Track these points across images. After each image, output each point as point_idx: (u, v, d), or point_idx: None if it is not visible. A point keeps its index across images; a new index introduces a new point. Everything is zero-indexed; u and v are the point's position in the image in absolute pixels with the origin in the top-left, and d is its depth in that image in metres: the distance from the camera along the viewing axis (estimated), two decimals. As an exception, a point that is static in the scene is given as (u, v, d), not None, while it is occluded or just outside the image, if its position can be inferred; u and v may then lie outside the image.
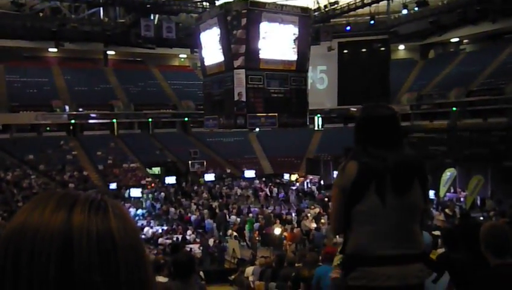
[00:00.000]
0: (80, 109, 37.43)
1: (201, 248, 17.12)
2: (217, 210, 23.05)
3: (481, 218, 15.60)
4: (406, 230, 2.34)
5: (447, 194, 23.07)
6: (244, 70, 16.80)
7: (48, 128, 37.41)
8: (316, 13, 32.35)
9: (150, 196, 27.97)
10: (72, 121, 37.12)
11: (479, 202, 21.60)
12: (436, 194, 23.19)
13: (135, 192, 28.70)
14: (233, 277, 12.90)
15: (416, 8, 34.74)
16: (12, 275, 0.69)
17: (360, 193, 2.31)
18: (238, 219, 21.35)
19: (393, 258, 2.30)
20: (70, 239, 0.69)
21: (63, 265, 0.68)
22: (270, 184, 31.26)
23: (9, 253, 0.70)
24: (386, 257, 2.29)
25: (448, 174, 23.34)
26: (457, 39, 42.09)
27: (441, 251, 4.59)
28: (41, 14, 35.48)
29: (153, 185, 30.85)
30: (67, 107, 36.92)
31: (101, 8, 37.85)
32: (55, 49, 39.78)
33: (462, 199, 22.03)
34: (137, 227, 0.82)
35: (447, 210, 18.17)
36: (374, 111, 2.55)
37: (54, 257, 0.68)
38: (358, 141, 2.52)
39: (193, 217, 22.56)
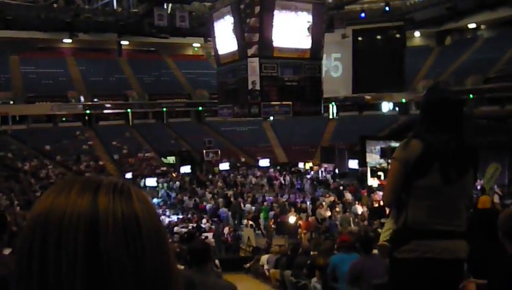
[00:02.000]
0: (95, 100, 37.68)
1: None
2: (232, 199, 23.13)
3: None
4: (458, 209, 2.49)
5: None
6: (257, 58, 16.72)
7: (64, 119, 37.79)
8: (330, 0, 32.06)
9: (165, 185, 28.13)
10: (87, 112, 37.40)
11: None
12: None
13: (150, 181, 28.89)
14: (248, 265, 12.98)
15: (432, -6, 34.28)
16: (40, 257, 0.70)
17: (423, 169, 2.40)
18: (253, 208, 21.40)
19: (447, 233, 2.44)
20: (96, 220, 0.71)
21: (90, 246, 0.69)
22: (284, 173, 31.24)
23: (36, 236, 0.71)
24: (442, 231, 2.43)
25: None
26: (474, 25, 41.41)
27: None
28: (55, 5, 35.62)
29: (174, 174, 30.92)
30: (82, 98, 37.18)
31: (115, -2, 37.91)
32: (69, 40, 40.00)
33: (478, 187, 21.81)
34: (157, 212, 0.83)
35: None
36: (443, 95, 2.62)
37: (81, 238, 0.69)
38: (422, 121, 2.56)
39: (208, 206, 22.65)
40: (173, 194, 26.51)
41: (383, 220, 16.20)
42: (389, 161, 25.55)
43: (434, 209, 2.43)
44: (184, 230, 17.82)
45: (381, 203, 19.95)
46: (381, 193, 21.92)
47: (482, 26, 41.81)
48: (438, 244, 2.42)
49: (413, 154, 2.41)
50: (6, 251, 2.99)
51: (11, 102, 34.96)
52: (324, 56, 19.20)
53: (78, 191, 0.74)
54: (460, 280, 2.60)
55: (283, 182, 28.92)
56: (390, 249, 2.62)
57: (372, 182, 25.75)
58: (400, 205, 2.53)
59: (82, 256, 0.69)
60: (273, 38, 16.76)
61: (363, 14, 37.62)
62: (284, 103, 17.39)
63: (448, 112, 2.51)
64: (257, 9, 16.32)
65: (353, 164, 29.83)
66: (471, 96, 34.55)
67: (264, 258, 11.49)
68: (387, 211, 17.69)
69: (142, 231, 0.73)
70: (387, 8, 36.34)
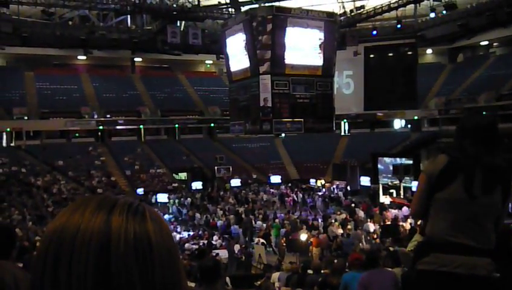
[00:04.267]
0: (108, 116, 37.97)
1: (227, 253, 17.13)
2: (243, 216, 23.05)
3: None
4: (480, 226, 2.44)
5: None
6: (269, 75, 16.78)
7: (77, 135, 38.11)
8: (341, 18, 32.23)
9: (177, 201, 28.15)
10: (100, 127, 37.69)
11: (510, 208, 21.11)
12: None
13: (162, 197, 28.94)
14: (259, 282, 12.86)
15: (444, 11, 34.30)
16: (52, 274, 0.71)
17: (444, 182, 2.43)
18: (264, 225, 21.31)
19: (465, 248, 2.40)
20: (108, 239, 0.72)
21: (101, 264, 0.70)
22: (296, 190, 31.14)
23: (50, 252, 0.73)
24: (459, 245, 2.40)
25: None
26: (486, 42, 41.35)
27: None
28: (70, 23, 36.18)
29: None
30: (95, 114, 37.50)
31: (129, 16, 38.45)
32: (83, 57, 40.55)
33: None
34: (171, 232, 0.84)
35: None
36: (480, 120, 2.62)
37: (92, 256, 0.70)
38: (457, 138, 2.61)
39: (219, 223, 22.60)
40: (184, 211, 26.51)
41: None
42: (401, 178, 25.46)
43: (455, 223, 2.43)
44: (195, 247, 17.78)
45: (393, 221, 19.82)
46: (393, 211, 21.82)
47: (495, 44, 41.74)
48: (455, 258, 2.41)
49: (437, 167, 2.47)
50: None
51: (26, 117, 35.33)
52: (336, 73, 19.26)
53: (92, 210, 0.75)
54: None
55: (296, 198, 28.80)
56: (413, 260, 2.68)
57: (384, 199, 25.59)
58: (427, 217, 2.57)
59: (92, 275, 0.70)
60: (285, 55, 16.84)
61: (374, 32, 37.68)
62: (295, 119, 17.40)
63: (482, 134, 2.52)
64: (269, 26, 16.43)
65: (365, 181, 29.69)
66: (484, 113, 34.32)
67: (275, 275, 11.40)
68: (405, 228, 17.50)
69: (153, 253, 0.74)
70: (399, 26, 36.37)
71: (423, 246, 2.61)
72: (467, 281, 2.42)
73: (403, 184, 25.47)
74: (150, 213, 0.78)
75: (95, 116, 37.42)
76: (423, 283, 2.53)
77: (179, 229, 22.43)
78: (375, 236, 17.75)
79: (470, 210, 2.42)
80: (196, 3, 34.98)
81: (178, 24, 36.20)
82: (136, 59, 44.52)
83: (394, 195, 25.58)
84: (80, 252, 0.70)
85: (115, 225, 0.73)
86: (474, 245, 2.41)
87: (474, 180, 2.40)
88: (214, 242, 18.80)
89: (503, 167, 2.51)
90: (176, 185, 32.63)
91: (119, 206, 0.76)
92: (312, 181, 33.91)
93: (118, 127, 38.70)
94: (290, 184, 33.63)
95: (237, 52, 18.16)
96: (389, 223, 19.87)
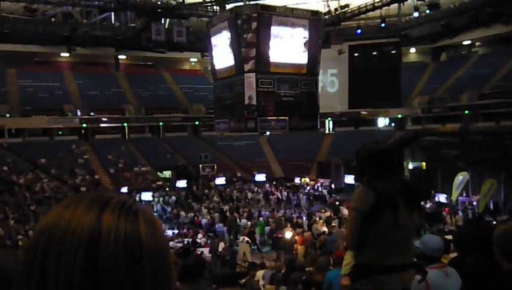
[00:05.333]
0: (92, 113, 37.67)
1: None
2: (228, 214, 23.05)
3: (494, 222, 15.44)
4: (407, 243, 2.91)
5: (459, 198, 22.88)
6: (254, 74, 16.75)
7: (60, 133, 37.71)
8: (326, 16, 32.31)
9: (161, 199, 28.03)
10: (84, 125, 37.35)
11: (491, 205, 21.41)
12: (448, 198, 23.03)
13: (146, 195, 28.79)
14: (244, 280, 12.87)
15: (427, 11, 34.65)
16: (40, 269, 0.71)
17: (377, 216, 2.77)
18: (249, 223, 21.33)
19: (398, 267, 2.83)
20: (98, 237, 0.71)
21: (89, 262, 0.70)
22: (280, 188, 31.20)
23: (39, 245, 0.73)
24: (394, 266, 2.82)
25: (461, 178, 23.15)
26: (469, 42, 41.82)
27: (453, 255, 4.54)
28: (53, 19, 35.80)
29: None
30: (78, 112, 37.18)
31: (112, 13, 38.13)
32: (67, 54, 40.16)
33: (474, 203, 21.84)
34: (165, 234, 0.83)
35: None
36: (375, 147, 3.09)
37: (81, 253, 0.70)
38: (363, 172, 3.02)
39: (204, 221, 22.57)
40: (169, 209, 26.41)
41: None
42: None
43: (388, 249, 2.81)
44: (179, 245, 17.72)
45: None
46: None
47: (477, 43, 42.22)
48: (390, 278, 2.81)
49: (368, 204, 2.79)
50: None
51: (7, 115, 34.90)
52: (320, 72, 19.26)
53: (85, 206, 0.75)
54: None
55: (280, 197, 28.84)
56: (351, 281, 3.09)
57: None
58: (359, 244, 2.91)
59: (80, 272, 0.69)
60: (269, 53, 16.84)
61: (359, 31, 37.94)
62: (280, 118, 17.40)
63: (383, 160, 2.96)
64: (254, 24, 16.40)
65: (349, 179, 29.85)
66: (466, 112, 34.75)
67: (260, 273, 11.43)
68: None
69: (143, 253, 0.73)
70: (383, 25, 36.67)
71: (361, 269, 2.93)
72: None
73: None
74: (144, 214, 0.78)
75: (79, 114, 37.09)
76: None
77: (163, 228, 22.32)
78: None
79: (398, 235, 2.79)
80: (181, 0, 34.85)
81: (162, 21, 36.02)
82: (120, 56, 44.17)
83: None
84: (70, 247, 0.70)
85: (105, 223, 0.72)
86: (404, 262, 2.85)
87: (398, 205, 2.77)
88: (198, 240, 18.77)
89: (412, 187, 3.01)
90: (160, 183, 32.50)
91: (111, 205, 0.76)
92: (297, 179, 34.01)
93: (102, 125, 38.38)
94: (274, 182, 33.69)
95: (222, 50, 18.11)
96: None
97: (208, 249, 17.43)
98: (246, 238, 18.46)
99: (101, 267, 0.70)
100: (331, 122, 42.41)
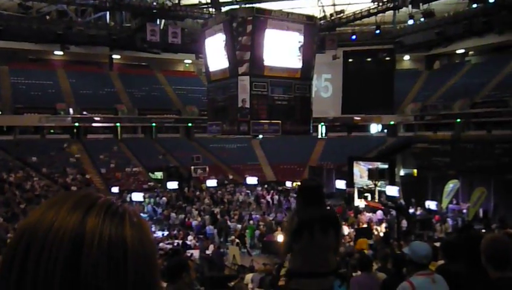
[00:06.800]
0: (84, 112, 37.52)
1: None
2: (219, 216, 23.00)
3: (483, 230, 15.51)
4: (324, 257, 3.72)
5: (450, 205, 22.97)
6: (248, 77, 16.74)
7: (52, 131, 37.51)
8: (321, 21, 32.40)
9: (152, 200, 27.92)
10: (76, 124, 37.20)
11: (481, 214, 21.50)
12: (438, 205, 23.12)
13: (137, 196, 28.66)
14: (232, 283, 12.84)
15: (422, 19, 34.82)
16: (20, 268, 0.69)
17: (297, 236, 3.66)
18: (239, 226, 21.29)
19: (315, 274, 3.71)
20: (81, 240, 0.69)
21: (70, 266, 0.68)
22: (272, 191, 31.18)
23: (20, 245, 0.70)
24: (312, 273, 3.70)
25: (451, 185, 23.25)
26: (462, 50, 42.08)
27: (441, 262, 4.55)
28: (47, 17, 35.65)
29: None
30: (71, 110, 37.00)
31: (108, 12, 38.03)
32: (60, 52, 39.98)
33: (464, 211, 21.93)
34: (153, 239, 0.81)
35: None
36: (308, 184, 4.05)
37: (62, 256, 0.68)
38: (299, 202, 4.04)
39: (194, 223, 22.50)
40: (159, 210, 26.32)
41: (369, 241, 16.22)
42: (376, 182, 25.76)
43: (306, 260, 3.70)
44: (169, 246, 17.65)
45: (367, 225, 20.02)
46: (367, 214, 22.04)
47: (470, 52, 42.49)
48: (310, 281, 3.71)
49: (292, 227, 3.70)
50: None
51: (-1, 112, 34.71)
52: (314, 76, 19.31)
53: (69, 207, 0.73)
54: None
55: (270, 201, 28.82)
56: (285, 281, 3.97)
57: (359, 203, 25.81)
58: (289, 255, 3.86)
59: (60, 274, 0.67)
60: (264, 57, 16.84)
61: (354, 36, 38.06)
62: (273, 121, 17.40)
63: (312, 193, 3.82)
64: (249, 28, 16.40)
65: (340, 184, 29.90)
66: (458, 120, 34.94)
67: (249, 277, 11.41)
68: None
69: (127, 258, 0.71)
70: (378, 31, 36.80)
71: (290, 273, 3.85)
72: None
73: (377, 188, 25.74)
74: (130, 217, 0.75)
75: (71, 113, 36.92)
76: None
77: (153, 229, 22.24)
78: (348, 239, 17.89)
79: (314, 251, 3.66)
80: (177, 2, 34.84)
81: (158, 22, 35.97)
82: (114, 56, 44.06)
83: (369, 199, 25.82)
84: (51, 249, 0.68)
85: (89, 226, 0.70)
86: (320, 271, 3.70)
87: (314, 232, 3.61)
88: (188, 242, 18.70)
89: (331, 215, 3.91)
90: (152, 184, 32.39)
91: (97, 207, 0.73)
92: (288, 183, 34.00)
93: (94, 125, 38.26)
94: (266, 185, 33.68)
95: (216, 53, 18.10)
96: (364, 226, 20.05)
97: (197, 251, 17.37)
98: (236, 240, 18.44)
99: (83, 271, 0.68)
100: (323, 127, 42.49)
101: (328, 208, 4.03)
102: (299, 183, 4.36)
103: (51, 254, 0.68)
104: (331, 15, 35.65)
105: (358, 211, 23.33)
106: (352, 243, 16.95)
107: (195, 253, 16.76)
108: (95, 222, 0.71)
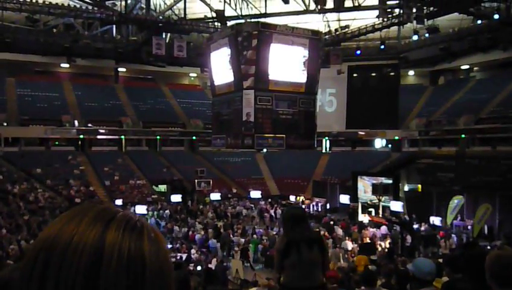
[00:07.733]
0: (89, 125, 37.65)
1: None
2: (222, 230, 22.93)
3: (488, 247, 15.39)
4: (311, 272, 4.06)
5: (454, 221, 22.84)
6: (253, 91, 16.75)
7: (57, 143, 37.62)
8: (326, 36, 32.53)
9: (155, 213, 27.88)
10: (81, 136, 37.32)
11: (486, 230, 21.36)
12: (443, 221, 22.99)
13: (140, 209, 28.62)
14: (235, 298, 12.76)
15: (427, 35, 34.89)
16: (39, 280, 0.69)
17: (286, 253, 4.02)
18: (242, 240, 21.21)
19: (303, 288, 4.04)
20: (100, 255, 0.70)
21: (90, 279, 0.68)
22: (275, 205, 31.09)
23: (40, 258, 0.70)
24: (299, 287, 4.03)
25: (456, 201, 23.14)
26: (467, 66, 42.13)
27: (445, 279, 4.52)
28: (54, 30, 35.93)
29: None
30: (76, 122, 37.15)
31: (114, 26, 38.32)
32: (66, 65, 40.29)
33: (469, 227, 21.80)
34: (169, 253, 0.81)
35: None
36: (293, 211, 4.55)
37: (82, 269, 0.68)
38: (286, 226, 4.30)
39: (197, 236, 22.43)
40: (163, 223, 26.25)
41: (372, 257, 16.13)
42: (380, 197, 25.66)
43: (295, 275, 4.03)
44: (172, 260, 17.58)
45: (371, 240, 19.89)
46: (371, 229, 21.91)
47: (475, 68, 42.55)
48: None
49: (282, 246, 4.10)
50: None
51: (5, 124, 34.85)
52: (319, 91, 19.31)
53: (89, 221, 0.73)
54: None
55: (273, 215, 28.72)
56: None
57: (363, 218, 25.70)
58: (280, 271, 4.19)
59: (80, 287, 0.68)
60: (269, 71, 16.90)
61: (358, 51, 38.15)
62: (277, 135, 17.40)
63: (297, 220, 4.17)
64: (254, 42, 16.47)
65: (344, 199, 29.80)
66: (463, 136, 34.86)
67: (252, 291, 11.35)
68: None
69: (145, 273, 0.72)
70: (382, 47, 36.91)
71: (283, 288, 4.19)
72: None
73: (381, 203, 25.64)
74: (148, 231, 0.76)
75: (76, 125, 37.07)
76: None
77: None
78: (352, 254, 17.79)
79: (302, 267, 4.00)
80: (182, 16, 35.10)
81: (163, 36, 36.21)
82: (119, 69, 44.35)
83: (373, 214, 25.72)
84: (71, 263, 0.68)
85: (109, 240, 0.71)
86: (309, 285, 4.04)
87: (301, 250, 3.98)
88: (192, 256, 18.63)
89: (316, 236, 4.36)
90: (155, 197, 32.37)
91: (116, 221, 0.74)
92: (292, 197, 33.92)
93: (99, 137, 38.36)
94: (270, 200, 33.60)
95: (221, 66, 18.16)
96: (367, 241, 19.94)
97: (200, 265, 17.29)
98: (239, 254, 18.37)
99: (102, 285, 0.68)
100: (328, 141, 42.44)
101: (315, 230, 4.62)
102: (285, 211, 4.76)
103: (70, 267, 0.68)
104: (336, 30, 35.78)
105: (362, 226, 23.21)
106: (356, 259, 16.86)
107: (198, 267, 16.68)
108: (115, 236, 0.72)
